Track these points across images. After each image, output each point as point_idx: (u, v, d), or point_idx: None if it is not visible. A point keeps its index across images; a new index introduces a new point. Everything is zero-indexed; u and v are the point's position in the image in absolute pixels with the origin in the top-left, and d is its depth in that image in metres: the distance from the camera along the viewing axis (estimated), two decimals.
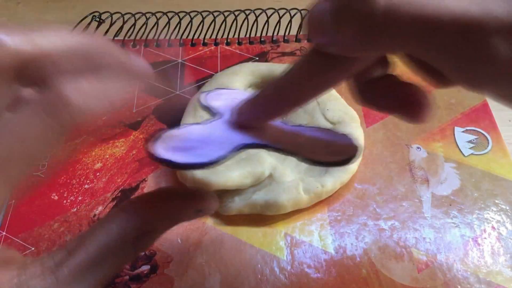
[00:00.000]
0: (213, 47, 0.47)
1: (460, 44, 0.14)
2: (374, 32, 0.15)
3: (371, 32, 0.15)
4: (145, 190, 0.37)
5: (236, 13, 0.49)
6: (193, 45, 0.47)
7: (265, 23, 0.48)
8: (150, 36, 0.48)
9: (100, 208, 0.36)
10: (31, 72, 0.15)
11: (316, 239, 0.33)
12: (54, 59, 0.16)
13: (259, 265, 0.32)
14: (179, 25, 0.48)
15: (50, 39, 0.16)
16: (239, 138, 0.20)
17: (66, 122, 0.15)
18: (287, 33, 0.47)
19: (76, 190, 0.37)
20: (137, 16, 0.49)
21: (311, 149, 0.20)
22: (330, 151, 0.20)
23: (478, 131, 0.39)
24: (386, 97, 0.21)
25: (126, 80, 0.18)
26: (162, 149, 0.18)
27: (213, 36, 0.48)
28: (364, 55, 0.17)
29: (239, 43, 0.47)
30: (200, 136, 0.20)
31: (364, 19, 0.14)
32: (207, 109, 0.24)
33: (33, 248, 0.33)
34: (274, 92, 0.20)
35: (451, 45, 0.14)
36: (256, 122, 0.21)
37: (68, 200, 0.36)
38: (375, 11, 0.14)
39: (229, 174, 0.33)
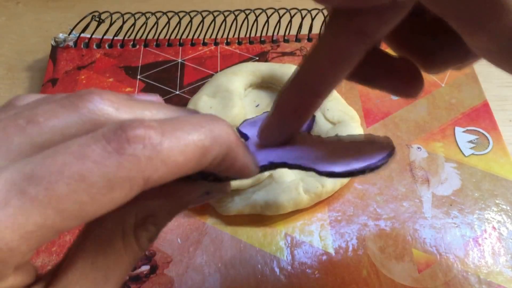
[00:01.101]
0: (213, 47, 0.47)
1: None
2: None
3: None
4: None
5: (236, 13, 0.49)
6: (193, 45, 0.47)
7: (265, 23, 0.48)
8: (150, 36, 0.48)
9: None
10: None
11: (316, 239, 0.33)
12: None
13: (259, 265, 0.32)
14: (179, 25, 0.48)
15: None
16: (263, 157, 0.20)
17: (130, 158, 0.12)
18: (287, 33, 0.47)
19: None
20: (136, 16, 0.49)
21: (333, 159, 0.19)
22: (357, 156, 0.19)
23: (478, 131, 0.39)
24: (375, 70, 0.20)
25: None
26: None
27: (213, 36, 0.47)
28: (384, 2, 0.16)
29: (239, 43, 0.47)
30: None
31: None
32: (241, 134, 0.24)
33: None
34: (295, 88, 0.19)
35: None
36: (282, 134, 0.20)
37: None
38: None
39: None
